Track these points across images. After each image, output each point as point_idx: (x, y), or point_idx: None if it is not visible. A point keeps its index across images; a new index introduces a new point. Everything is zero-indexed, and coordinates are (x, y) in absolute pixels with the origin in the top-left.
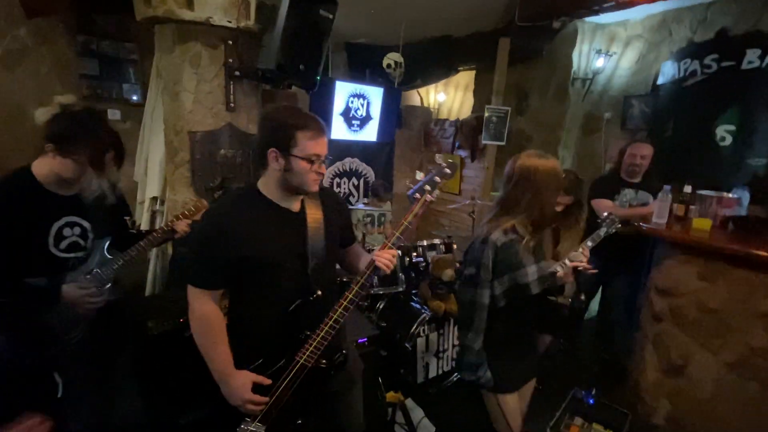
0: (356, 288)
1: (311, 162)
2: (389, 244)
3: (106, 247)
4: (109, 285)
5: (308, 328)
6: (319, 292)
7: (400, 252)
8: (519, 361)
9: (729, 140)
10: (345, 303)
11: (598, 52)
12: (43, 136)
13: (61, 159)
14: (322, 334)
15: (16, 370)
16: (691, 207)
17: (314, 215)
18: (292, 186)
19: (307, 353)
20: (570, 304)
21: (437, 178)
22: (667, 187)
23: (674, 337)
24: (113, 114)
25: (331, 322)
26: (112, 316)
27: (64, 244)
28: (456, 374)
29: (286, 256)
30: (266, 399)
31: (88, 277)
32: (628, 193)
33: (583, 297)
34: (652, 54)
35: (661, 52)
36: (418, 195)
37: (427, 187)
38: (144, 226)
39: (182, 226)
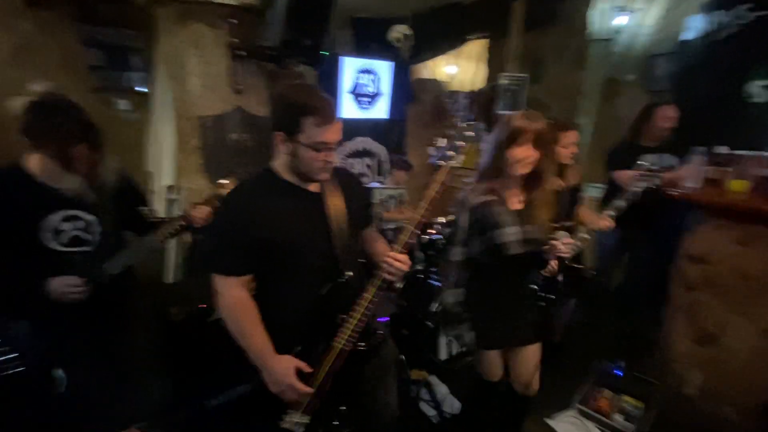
0: (379, 281)
1: (318, 150)
2: (412, 229)
3: (116, 240)
4: (107, 278)
5: (342, 311)
6: (351, 273)
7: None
8: (501, 320)
9: (764, 96)
10: (378, 282)
11: (619, 9)
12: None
13: (35, 153)
14: (358, 316)
15: (13, 366)
16: (727, 169)
17: (334, 196)
18: (299, 172)
19: (345, 337)
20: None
21: (460, 142)
22: (701, 149)
23: (708, 305)
24: (124, 105)
25: (366, 303)
26: (125, 308)
27: (64, 238)
28: None
29: (311, 236)
30: (310, 388)
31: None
32: (649, 159)
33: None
34: (680, 8)
35: (690, 5)
36: (442, 162)
37: (451, 153)
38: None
39: (201, 214)
